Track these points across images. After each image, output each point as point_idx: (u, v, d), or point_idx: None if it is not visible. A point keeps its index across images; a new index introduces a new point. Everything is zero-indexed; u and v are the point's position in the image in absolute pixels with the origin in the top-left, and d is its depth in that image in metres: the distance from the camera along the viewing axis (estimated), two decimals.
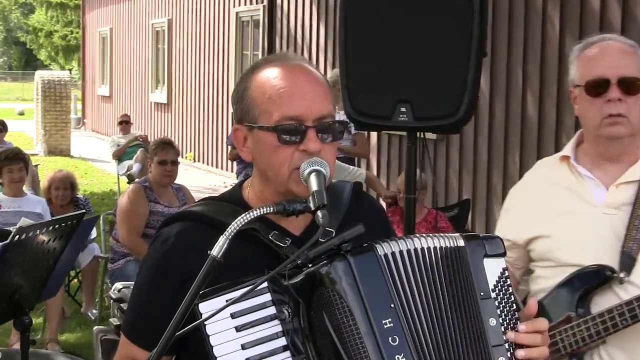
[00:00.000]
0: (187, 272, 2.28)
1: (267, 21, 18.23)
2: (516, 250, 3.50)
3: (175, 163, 7.98)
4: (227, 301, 2.20)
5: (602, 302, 3.22)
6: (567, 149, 3.44)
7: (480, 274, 2.36)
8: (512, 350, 2.35)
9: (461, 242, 2.37)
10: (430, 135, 12.31)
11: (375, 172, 14.15)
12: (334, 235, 2.36)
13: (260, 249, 2.41)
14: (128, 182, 14.70)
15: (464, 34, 4.54)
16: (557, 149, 10.65)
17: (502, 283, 2.38)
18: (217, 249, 2.14)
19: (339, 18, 4.80)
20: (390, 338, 2.21)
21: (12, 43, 76.06)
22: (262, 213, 2.20)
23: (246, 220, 2.17)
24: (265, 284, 2.26)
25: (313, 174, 2.31)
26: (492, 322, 2.34)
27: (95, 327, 4.58)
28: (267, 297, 2.27)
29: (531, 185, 3.56)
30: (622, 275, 3.18)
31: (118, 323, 4.56)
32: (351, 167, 8.98)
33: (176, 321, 2.13)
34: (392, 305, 2.24)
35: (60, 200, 8.97)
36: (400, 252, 2.29)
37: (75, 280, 9.45)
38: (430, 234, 2.35)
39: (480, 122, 12.02)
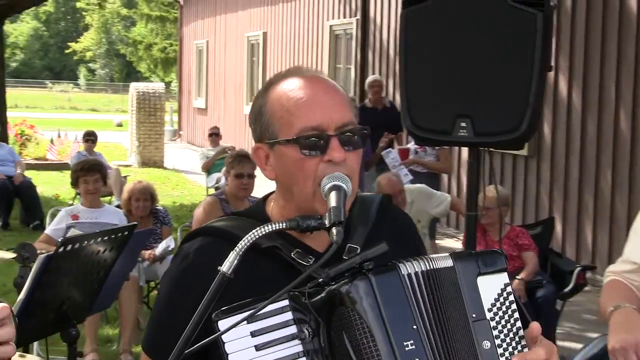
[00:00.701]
0: (205, 289, 2.17)
1: (361, 34, 18.21)
2: None
3: (251, 176, 7.92)
4: (242, 318, 2.12)
5: None
6: None
7: (472, 294, 2.22)
8: None
9: (449, 263, 2.23)
10: (522, 152, 12.19)
11: (464, 188, 13.96)
12: (359, 251, 2.29)
13: (283, 267, 2.33)
14: None
15: (527, 48, 4.41)
16: None
17: (502, 301, 2.23)
18: (227, 265, 2.08)
19: (400, 31, 4.70)
20: None
21: (114, 55, 77.50)
22: (274, 229, 2.12)
23: (257, 236, 2.09)
24: (286, 302, 2.18)
25: (333, 189, 2.22)
26: (486, 344, 2.19)
27: None
28: (288, 315, 2.19)
29: None
30: None
31: None
32: (438, 192, 8.96)
33: (186, 337, 2.09)
34: (415, 327, 2.13)
35: (140, 211, 8.96)
36: (424, 272, 2.18)
37: (155, 291, 9.46)
38: (418, 257, 2.22)
39: (572, 138, 11.83)
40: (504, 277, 2.25)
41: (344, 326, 2.11)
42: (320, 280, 2.17)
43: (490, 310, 2.21)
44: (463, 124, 4.43)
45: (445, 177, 12.85)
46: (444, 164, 10.57)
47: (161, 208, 9.68)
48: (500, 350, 2.19)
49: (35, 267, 3.94)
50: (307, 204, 2.33)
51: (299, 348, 2.17)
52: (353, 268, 2.17)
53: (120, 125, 40.72)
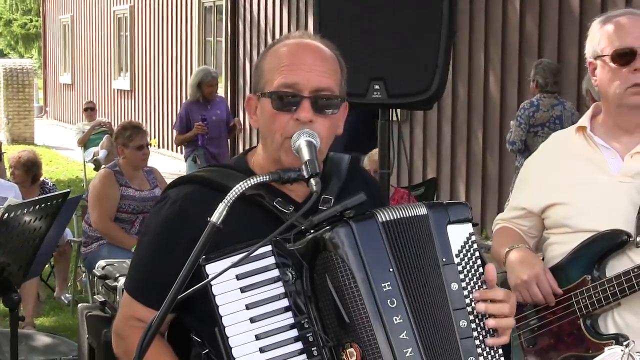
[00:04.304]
0: (195, 233, 2.34)
1: (230, 7, 18.23)
2: (531, 219, 3.63)
3: (148, 146, 8.13)
4: (232, 263, 2.33)
5: (617, 266, 3.35)
6: (584, 120, 3.54)
7: (442, 241, 2.49)
8: (474, 313, 2.47)
9: (423, 211, 2.50)
10: (394, 117, 12.49)
11: None
12: (332, 202, 2.53)
13: (265, 214, 2.54)
14: (95, 169, 14.70)
15: (436, 14, 4.66)
16: None
17: (467, 248, 2.51)
18: (217, 215, 2.26)
19: (314, 1, 4.91)
20: (388, 300, 2.36)
21: None
22: (258, 182, 2.33)
23: (244, 188, 2.29)
24: (269, 248, 2.40)
25: (304, 144, 2.44)
26: (454, 286, 2.47)
27: (80, 305, 4.69)
28: (270, 260, 2.41)
29: (547, 155, 3.66)
30: (638, 239, 3.29)
31: (103, 299, 4.68)
32: None
33: (179, 283, 2.25)
34: (391, 270, 2.38)
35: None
36: (399, 219, 2.44)
37: (47, 265, 9.48)
38: (394, 205, 2.49)
39: (443, 102, 12.17)
40: (469, 227, 2.53)
41: (327, 269, 2.36)
42: (303, 227, 2.40)
43: (457, 255, 2.49)
44: (377, 87, 4.67)
45: None
46: None
47: (48, 180, 9.71)
48: (465, 292, 2.47)
49: None
50: (275, 154, 2.56)
51: (282, 290, 2.39)
52: (334, 216, 2.41)
53: None
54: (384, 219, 2.42)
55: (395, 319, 2.35)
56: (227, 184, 2.40)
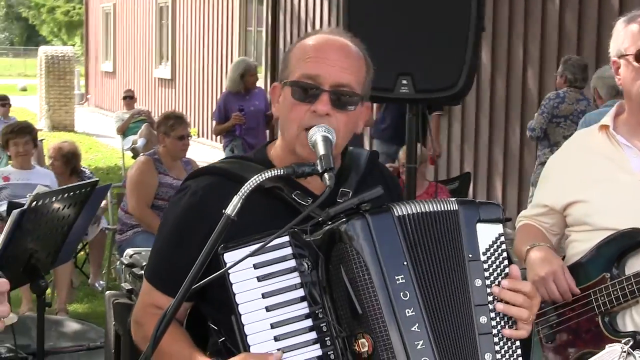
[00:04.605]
0: (213, 224, 2.37)
1: None
2: (553, 216, 3.64)
3: (189, 137, 8.22)
4: (250, 252, 2.37)
5: (636, 264, 3.35)
6: (607, 119, 3.53)
7: (470, 237, 2.51)
8: (495, 310, 2.49)
9: (454, 206, 2.53)
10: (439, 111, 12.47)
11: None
12: (350, 195, 2.58)
13: (284, 206, 2.59)
14: (133, 157, 14.82)
15: (463, 9, 4.66)
16: None
17: (495, 248, 2.53)
18: (231, 208, 2.30)
19: None
20: (401, 293, 2.39)
21: (14, 19, 75.64)
22: (272, 175, 2.37)
23: (258, 181, 2.33)
24: (286, 239, 2.44)
25: (320, 139, 2.47)
26: (478, 282, 2.50)
27: (108, 292, 4.72)
28: (287, 250, 2.45)
29: (570, 153, 3.67)
30: None
31: (130, 287, 4.73)
32: None
33: (194, 272, 2.29)
34: (405, 263, 2.42)
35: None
36: (415, 214, 2.47)
37: (82, 252, 9.59)
38: (427, 200, 2.51)
39: (481, 97, 12.16)
40: (499, 228, 2.55)
41: (342, 260, 2.40)
42: (320, 219, 2.44)
43: (484, 253, 2.52)
44: (404, 82, 4.67)
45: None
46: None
47: (86, 169, 9.82)
48: (488, 290, 2.50)
49: (9, 222, 4.15)
50: (291, 145, 2.62)
51: (298, 280, 2.44)
52: (351, 209, 2.45)
53: (24, 89, 40.03)
54: (400, 213, 2.45)
55: (408, 312, 2.38)
56: (245, 176, 2.43)
